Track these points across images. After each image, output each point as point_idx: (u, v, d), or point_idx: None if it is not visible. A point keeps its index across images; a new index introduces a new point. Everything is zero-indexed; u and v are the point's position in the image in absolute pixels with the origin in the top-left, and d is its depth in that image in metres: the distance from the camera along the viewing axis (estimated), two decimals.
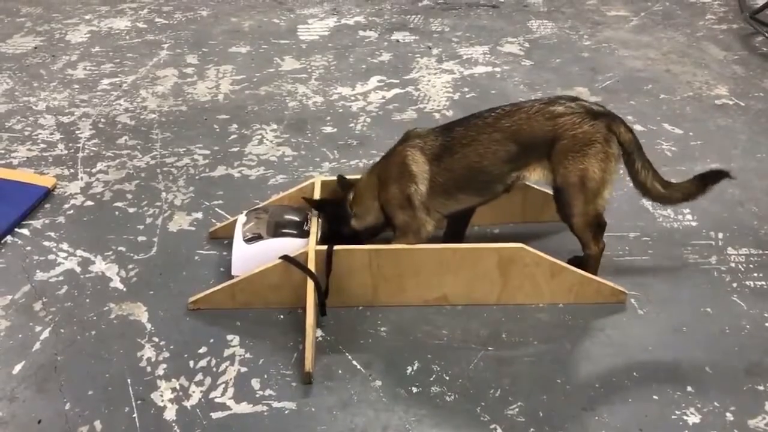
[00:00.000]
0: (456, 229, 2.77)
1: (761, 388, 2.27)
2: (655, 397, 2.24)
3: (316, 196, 2.76)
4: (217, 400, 2.23)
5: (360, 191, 2.65)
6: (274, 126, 3.77)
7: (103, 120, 3.82)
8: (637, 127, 3.73)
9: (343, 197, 2.66)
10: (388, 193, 2.56)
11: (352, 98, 4.05)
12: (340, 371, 2.33)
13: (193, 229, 2.99)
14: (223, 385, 2.28)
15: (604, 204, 2.53)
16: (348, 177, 2.74)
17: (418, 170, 2.51)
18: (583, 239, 2.58)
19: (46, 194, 3.17)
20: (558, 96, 2.57)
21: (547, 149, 2.47)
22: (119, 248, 2.87)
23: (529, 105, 2.51)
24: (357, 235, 2.66)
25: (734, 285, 2.68)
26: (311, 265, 2.45)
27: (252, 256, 2.57)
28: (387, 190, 2.56)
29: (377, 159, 2.75)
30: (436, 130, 2.59)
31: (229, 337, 2.46)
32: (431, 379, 2.30)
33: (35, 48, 4.70)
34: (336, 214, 2.66)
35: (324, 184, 2.83)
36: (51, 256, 2.83)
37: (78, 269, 2.76)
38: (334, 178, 2.79)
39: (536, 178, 2.55)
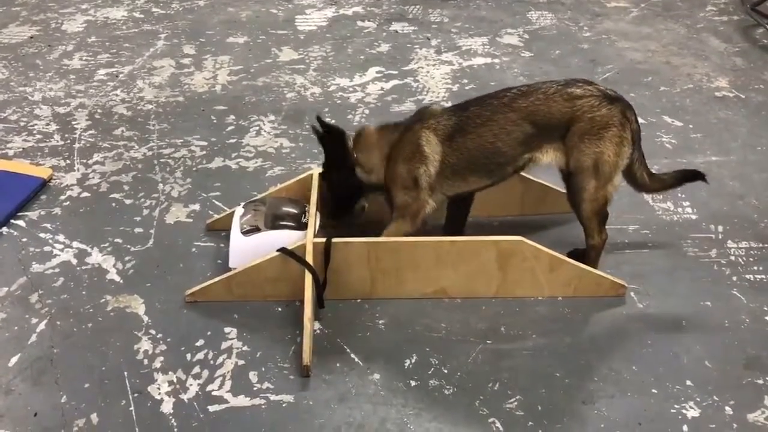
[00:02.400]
0: (455, 222, 2.76)
1: (760, 382, 2.26)
2: (654, 390, 2.23)
3: (314, 188, 2.74)
4: (214, 393, 2.22)
5: (367, 144, 2.56)
6: (272, 117, 3.74)
7: (99, 111, 3.80)
8: None
9: (343, 135, 2.57)
10: (395, 171, 2.52)
11: (351, 89, 4.03)
12: (338, 364, 2.32)
13: (191, 221, 2.97)
14: (221, 378, 2.27)
15: (613, 190, 2.52)
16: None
17: (430, 152, 2.48)
18: (589, 227, 2.57)
19: (42, 185, 3.15)
20: (573, 78, 2.54)
21: (562, 131, 2.45)
22: (116, 240, 2.85)
23: (546, 86, 2.49)
24: (358, 187, 2.61)
25: (734, 278, 2.67)
26: (309, 258, 2.44)
27: (249, 248, 2.56)
28: (395, 168, 2.52)
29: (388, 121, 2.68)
30: (450, 108, 2.57)
31: (227, 329, 2.44)
32: (429, 372, 2.29)
33: (31, 38, 4.66)
34: (339, 155, 2.58)
35: (322, 176, 2.81)
36: (47, 248, 2.81)
37: (74, 261, 2.75)
38: None
39: (548, 160, 2.51)
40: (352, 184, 2.60)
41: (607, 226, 2.70)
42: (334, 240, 2.47)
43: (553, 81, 2.53)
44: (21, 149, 3.45)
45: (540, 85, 2.51)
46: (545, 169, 2.61)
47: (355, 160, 2.56)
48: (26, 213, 3.00)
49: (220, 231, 2.86)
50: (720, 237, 2.89)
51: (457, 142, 2.47)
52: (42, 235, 2.88)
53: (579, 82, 2.49)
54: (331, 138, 2.58)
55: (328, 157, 2.64)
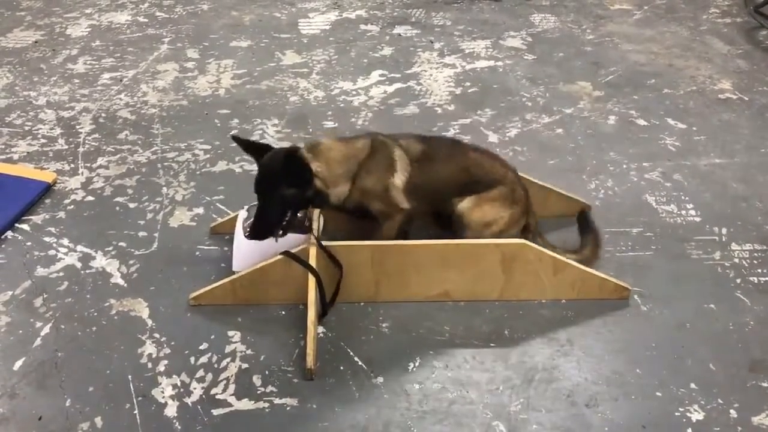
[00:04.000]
0: None
1: (765, 384, 2.26)
2: (658, 393, 2.23)
3: None
4: (218, 396, 2.22)
5: (332, 158, 2.48)
6: (276, 121, 3.75)
7: (103, 115, 3.81)
8: (641, 122, 3.73)
9: (291, 151, 2.43)
10: (368, 185, 2.51)
11: (354, 93, 4.03)
12: (341, 367, 2.32)
13: (194, 224, 2.98)
14: (225, 382, 2.27)
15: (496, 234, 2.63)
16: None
17: (401, 167, 2.55)
18: None
19: (47, 189, 3.16)
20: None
21: (485, 189, 2.60)
22: (120, 244, 2.86)
23: (493, 155, 2.76)
24: (320, 200, 2.49)
25: (738, 281, 2.66)
26: (312, 261, 2.44)
27: (253, 251, 2.56)
28: (367, 181, 2.51)
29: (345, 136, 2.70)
30: (415, 136, 2.67)
31: (231, 333, 2.45)
32: (433, 375, 2.29)
33: (35, 42, 4.68)
34: (289, 168, 2.39)
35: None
36: (51, 252, 2.82)
37: (78, 265, 2.75)
38: None
39: (459, 207, 2.61)
40: (304, 198, 2.47)
41: (610, 229, 2.72)
42: (337, 243, 2.47)
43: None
44: (25, 153, 3.46)
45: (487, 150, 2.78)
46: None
47: (315, 173, 2.44)
48: (31, 217, 3.01)
49: (223, 234, 2.87)
50: (724, 239, 2.88)
51: (423, 166, 2.57)
52: (46, 239, 2.89)
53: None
54: (284, 156, 2.43)
55: (280, 175, 2.42)
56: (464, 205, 2.59)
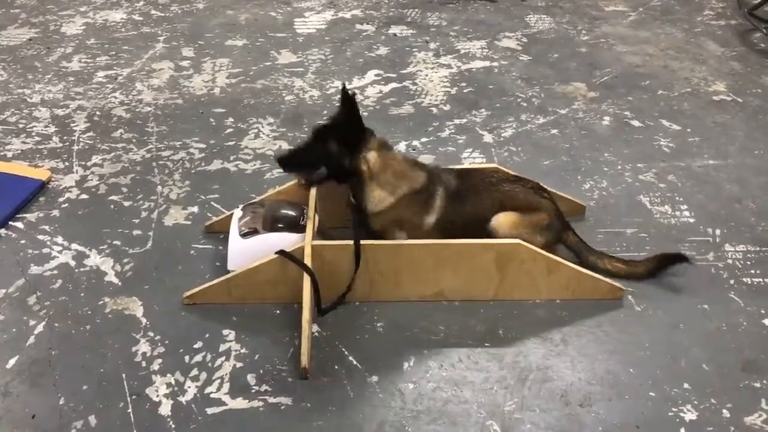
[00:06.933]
0: None
1: (758, 385, 2.27)
2: (651, 393, 2.23)
3: (312, 191, 2.73)
4: (212, 395, 2.22)
5: (391, 162, 2.54)
6: (271, 120, 3.75)
7: (98, 113, 3.80)
8: (635, 123, 3.74)
9: (359, 123, 2.52)
10: (406, 213, 2.57)
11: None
12: (336, 367, 2.32)
13: (189, 223, 2.97)
14: (219, 380, 2.27)
15: None
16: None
17: (438, 205, 2.59)
18: None
19: (41, 187, 3.15)
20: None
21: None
22: (114, 242, 2.85)
23: (526, 181, 2.72)
24: (356, 185, 2.54)
25: (731, 282, 2.67)
26: (307, 260, 2.44)
27: (248, 250, 2.56)
28: (407, 210, 2.57)
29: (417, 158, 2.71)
30: (453, 171, 2.70)
31: (225, 332, 2.44)
32: (428, 375, 2.30)
33: (30, 40, 4.66)
34: (348, 130, 2.50)
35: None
36: (45, 250, 2.81)
37: (73, 263, 2.75)
38: None
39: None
40: (340, 165, 2.52)
41: (605, 229, 2.72)
42: (332, 243, 2.47)
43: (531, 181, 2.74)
44: (20, 151, 3.45)
45: (526, 179, 2.73)
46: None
47: (365, 157, 2.50)
48: (25, 215, 3.00)
49: (218, 233, 2.86)
50: (717, 240, 2.89)
51: (455, 204, 2.60)
52: (40, 237, 2.88)
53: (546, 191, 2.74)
54: (349, 114, 2.52)
55: (338, 129, 2.52)
56: (500, 220, 2.58)
